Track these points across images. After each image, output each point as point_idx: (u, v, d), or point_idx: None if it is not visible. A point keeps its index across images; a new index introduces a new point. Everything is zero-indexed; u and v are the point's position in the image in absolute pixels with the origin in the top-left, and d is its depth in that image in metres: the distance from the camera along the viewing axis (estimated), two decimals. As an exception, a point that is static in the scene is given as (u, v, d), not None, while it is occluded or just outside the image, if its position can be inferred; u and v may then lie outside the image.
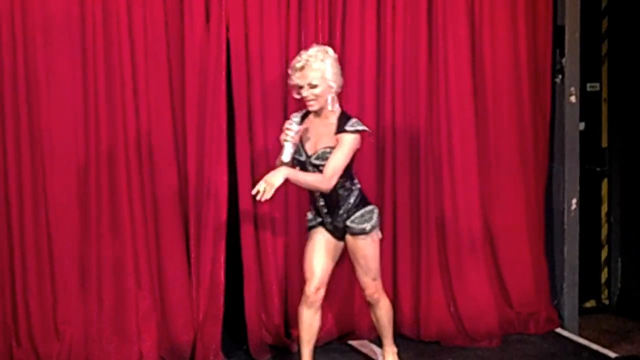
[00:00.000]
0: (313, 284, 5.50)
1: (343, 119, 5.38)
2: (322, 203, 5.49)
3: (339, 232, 5.54)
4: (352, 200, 5.47)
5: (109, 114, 6.04)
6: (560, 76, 6.89)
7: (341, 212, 5.46)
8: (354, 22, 6.45)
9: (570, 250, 6.92)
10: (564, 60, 6.86)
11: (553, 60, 6.90)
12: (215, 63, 6.15)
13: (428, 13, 6.58)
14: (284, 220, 6.42)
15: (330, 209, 5.48)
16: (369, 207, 5.52)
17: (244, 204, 6.28)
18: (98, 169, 6.03)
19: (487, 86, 6.71)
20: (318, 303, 5.54)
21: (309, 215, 5.65)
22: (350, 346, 6.59)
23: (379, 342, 6.05)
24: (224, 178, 6.18)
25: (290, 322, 6.46)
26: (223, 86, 6.20)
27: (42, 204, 5.98)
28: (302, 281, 6.04)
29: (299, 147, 5.36)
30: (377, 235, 5.56)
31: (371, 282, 5.60)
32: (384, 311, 5.74)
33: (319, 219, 5.57)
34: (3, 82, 5.86)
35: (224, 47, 6.19)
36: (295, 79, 5.35)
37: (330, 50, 5.46)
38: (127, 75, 6.04)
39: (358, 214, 5.47)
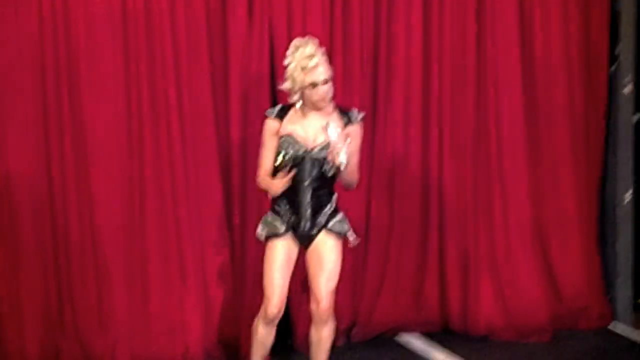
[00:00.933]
0: (275, 303, 5.20)
1: (342, 109, 5.27)
2: (306, 203, 5.20)
3: (307, 238, 5.26)
4: (333, 203, 5.28)
5: (152, 109, 6.04)
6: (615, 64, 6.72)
7: (323, 213, 5.23)
8: (399, 16, 6.37)
9: (624, 244, 6.77)
10: (618, 48, 6.67)
11: (610, 48, 6.73)
12: (258, 57, 6.12)
13: (477, 1, 6.48)
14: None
15: (315, 210, 5.22)
16: (342, 213, 5.32)
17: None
18: (141, 164, 6.05)
19: (538, 76, 6.61)
20: (277, 320, 5.29)
21: (273, 221, 5.27)
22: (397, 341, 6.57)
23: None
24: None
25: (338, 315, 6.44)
26: (266, 80, 6.16)
27: (85, 198, 6.01)
28: (352, 269, 6.26)
29: (293, 141, 5.16)
30: (355, 240, 5.35)
31: (330, 294, 5.21)
32: (329, 332, 5.32)
33: (285, 226, 5.24)
34: (46, 80, 5.89)
35: (267, 41, 6.15)
36: (314, 77, 5.08)
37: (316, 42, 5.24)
38: (170, 70, 6.03)
39: (338, 217, 5.27)
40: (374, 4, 6.34)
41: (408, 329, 6.58)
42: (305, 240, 5.27)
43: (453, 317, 6.60)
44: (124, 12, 5.97)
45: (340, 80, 6.25)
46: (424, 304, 6.60)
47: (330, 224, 5.24)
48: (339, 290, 6.23)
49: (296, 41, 5.19)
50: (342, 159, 5.00)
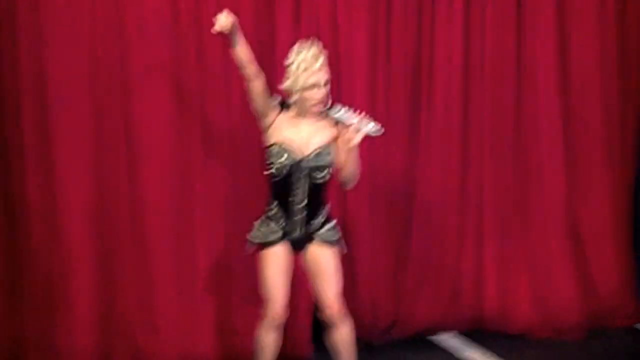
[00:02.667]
0: (280, 304, 5.22)
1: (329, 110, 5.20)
2: (299, 210, 5.19)
3: (299, 243, 5.27)
4: (325, 210, 5.29)
5: (202, 114, 6.17)
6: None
7: (316, 221, 5.24)
8: (441, 28, 6.50)
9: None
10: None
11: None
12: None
13: (517, 13, 6.61)
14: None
15: (310, 215, 5.22)
16: (334, 221, 5.34)
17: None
18: (190, 172, 6.19)
19: (574, 81, 6.73)
20: (282, 324, 5.29)
21: (268, 228, 5.28)
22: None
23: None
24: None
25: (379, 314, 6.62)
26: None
27: (136, 204, 6.15)
28: (394, 270, 6.46)
29: (287, 149, 5.13)
30: (344, 250, 5.40)
31: (338, 298, 5.23)
32: (348, 329, 5.29)
33: (280, 232, 5.25)
34: (98, 89, 6.02)
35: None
36: (317, 78, 5.08)
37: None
38: (220, 79, 6.15)
39: (330, 225, 5.28)
40: (417, 14, 6.46)
41: (446, 328, 6.73)
42: (298, 246, 5.27)
43: (490, 316, 6.74)
44: (175, 22, 6.07)
45: (383, 91, 6.43)
46: (462, 304, 6.75)
47: (323, 233, 5.25)
48: (379, 290, 6.52)
49: (300, 43, 5.21)
50: (370, 127, 4.98)
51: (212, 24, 5.85)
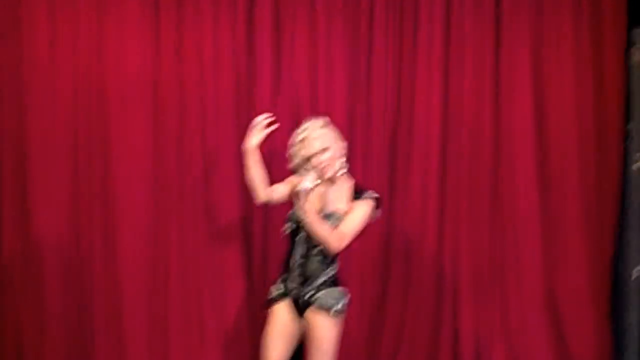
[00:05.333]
0: None
1: (359, 188, 5.29)
2: (297, 271, 5.22)
3: (299, 306, 5.23)
4: (326, 277, 5.21)
5: (179, 176, 6.34)
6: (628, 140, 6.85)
7: (314, 285, 5.19)
8: (420, 84, 6.60)
9: (631, 317, 6.80)
10: (630, 125, 6.81)
11: (622, 125, 6.85)
12: (286, 127, 6.27)
13: (494, 76, 6.68)
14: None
15: (305, 279, 5.21)
16: (340, 289, 5.25)
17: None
18: (167, 228, 6.31)
19: (552, 150, 6.75)
20: None
21: (276, 286, 5.34)
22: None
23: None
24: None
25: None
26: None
27: (111, 259, 6.26)
28: (369, 337, 6.47)
29: (294, 211, 5.22)
30: (340, 321, 5.25)
31: None
32: None
33: (282, 289, 5.28)
34: (78, 145, 6.19)
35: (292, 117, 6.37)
36: (307, 150, 5.22)
37: (323, 119, 5.38)
38: (197, 139, 6.33)
39: (328, 290, 5.19)
40: (396, 76, 6.59)
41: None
42: (299, 308, 5.24)
43: (466, 383, 6.69)
44: (155, 82, 6.24)
45: (361, 149, 6.51)
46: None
47: (319, 295, 5.19)
48: (355, 356, 6.49)
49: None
50: (303, 184, 5.01)
51: (193, 90, 6.03)
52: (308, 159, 5.22)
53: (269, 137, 5.42)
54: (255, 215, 6.36)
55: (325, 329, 5.15)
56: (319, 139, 5.21)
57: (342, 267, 6.24)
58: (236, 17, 6.35)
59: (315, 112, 6.27)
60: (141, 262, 6.28)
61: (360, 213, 5.20)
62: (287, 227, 5.27)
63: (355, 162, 6.46)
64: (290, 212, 5.26)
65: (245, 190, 6.28)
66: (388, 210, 6.57)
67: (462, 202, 6.67)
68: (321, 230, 5.08)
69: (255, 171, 5.30)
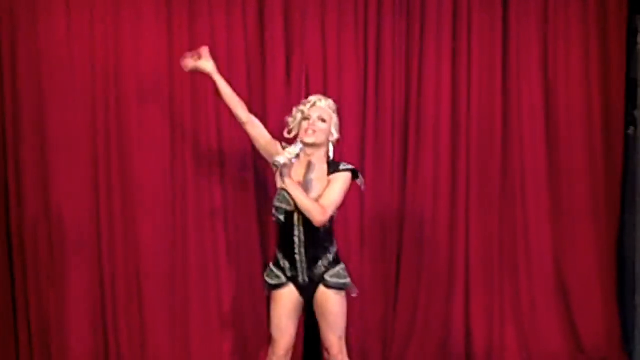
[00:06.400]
0: (282, 346, 5.37)
1: (334, 163, 5.38)
2: (299, 256, 5.32)
3: (309, 289, 5.36)
4: (331, 255, 5.36)
5: (195, 163, 6.44)
6: (632, 127, 7.00)
7: (319, 264, 5.32)
8: (429, 80, 6.73)
9: (638, 299, 6.94)
10: (635, 112, 6.96)
11: (625, 112, 7.01)
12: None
13: (502, 66, 6.82)
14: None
15: (309, 261, 5.32)
16: (343, 265, 5.42)
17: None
18: (184, 215, 6.42)
19: (561, 136, 6.90)
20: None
21: (277, 272, 5.39)
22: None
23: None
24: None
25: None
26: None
27: (132, 244, 6.39)
28: (383, 320, 6.58)
29: (286, 196, 5.27)
30: (354, 292, 5.46)
31: (337, 341, 5.37)
32: None
33: (286, 277, 5.37)
34: (97, 131, 6.32)
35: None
36: (308, 110, 5.34)
37: (334, 103, 5.47)
38: (212, 125, 6.43)
39: (337, 269, 5.36)
40: (406, 59, 6.71)
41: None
42: (305, 292, 5.37)
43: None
44: (171, 75, 6.37)
45: (372, 138, 6.64)
46: (450, 352, 6.84)
47: (328, 277, 5.33)
48: (369, 336, 6.65)
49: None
50: (278, 159, 5.10)
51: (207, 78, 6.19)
52: (305, 118, 5.33)
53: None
54: (271, 200, 6.45)
55: (338, 305, 5.37)
56: (324, 110, 5.35)
57: (352, 250, 6.54)
58: (248, 8, 6.47)
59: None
60: (160, 250, 6.41)
61: (338, 185, 5.30)
62: (278, 213, 5.31)
63: (367, 151, 6.63)
64: (278, 198, 5.31)
65: (260, 182, 6.48)
66: (401, 196, 6.73)
67: (473, 188, 6.80)
68: (305, 202, 5.21)
69: (227, 92, 5.41)
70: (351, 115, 6.59)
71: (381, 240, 6.73)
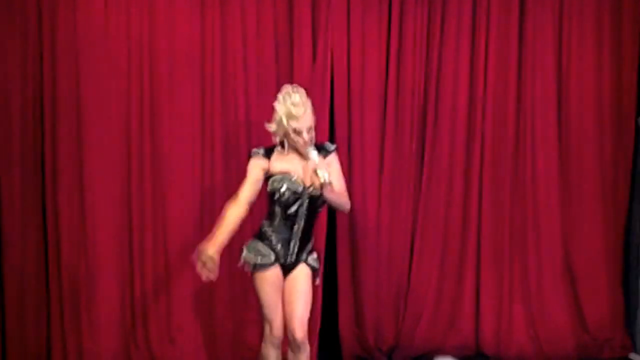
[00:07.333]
0: (279, 325, 5.46)
1: (317, 144, 5.44)
2: (296, 241, 5.48)
3: (289, 269, 5.51)
4: (312, 244, 5.60)
5: (224, 146, 6.67)
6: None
7: (306, 249, 5.53)
8: (449, 60, 6.93)
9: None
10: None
11: (637, 101, 7.17)
12: (320, 99, 6.62)
13: (518, 55, 7.01)
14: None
15: (301, 243, 5.49)
16: (316, 252, 5.64)
17: (340, 223, 6.86)
18: (213, 196, 6.63)
19: (572, 124, 7.08)
20: (281, 340, 5.53)
21: (262, 249, 5.48)
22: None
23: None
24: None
25: (382, 337, 6.99)
26: (326, 121, 6.73)
27: (160, 221, 6.63)
28: (396, 296, 6.77)
29: (291, 180, 5.37)
30: (317, 280, 5.67)
31: (303, 324, 5.42)
32: (306, 356, 5.50)
33: (273, 256, 5.47)
34: (130, 115, 6.55)
35: (328, 84, 6.73)
36: (299, 124, 5.31)
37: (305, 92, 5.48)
38: (241, 103, 6.65)
39: (314, 255, 5.58)
40: (426, 50, 6.92)
41: (445, 352, 7.02)
42: (286, 271, 5.52)
43: (487, 342, 7.06)
44: (202, 52, 6.58)
45: (393, 120, 6.86)
46: (460, 330, 7.09)
47: (309, 259, 5.53)
48: (383, 314, 6.88)
49: (287, 87, 5.46)
50: (325, 175, 5.27)
51: (237, 58, 6.39)
52: (296, 132, 5.33)
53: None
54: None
55: (309, 284, 5.53)
56: (309, 118, 5.37)
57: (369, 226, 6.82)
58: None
59: (350, 79, 6.76)
60: (189, 223, 6.62)
61: (338, 167, 5.52)
62: (283, 195, 5.38)
63: (387, 131, 6.85)
64: (284, 188, 5.38)
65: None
66: (417, 176, 6.96)
67: (486, 172, 7.01)
68: (341, 199, 5.50)
69: (231, 230, 5.39)
70: (373, 99, 6.82)
71: (397, 219, 6.94)
